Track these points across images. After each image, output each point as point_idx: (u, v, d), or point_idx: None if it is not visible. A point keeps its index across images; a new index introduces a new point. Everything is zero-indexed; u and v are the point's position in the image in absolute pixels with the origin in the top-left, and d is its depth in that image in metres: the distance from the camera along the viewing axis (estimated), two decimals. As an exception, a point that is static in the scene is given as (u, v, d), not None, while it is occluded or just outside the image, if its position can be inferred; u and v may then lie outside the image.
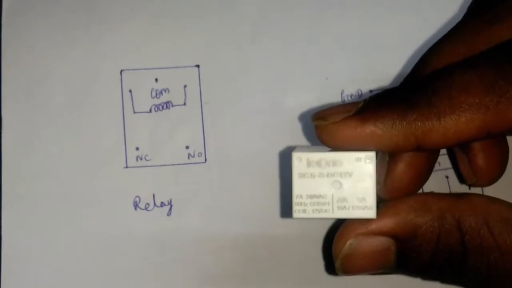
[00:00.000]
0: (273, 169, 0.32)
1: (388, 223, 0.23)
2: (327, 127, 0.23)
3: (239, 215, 0.32)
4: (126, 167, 0.32)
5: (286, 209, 0.32)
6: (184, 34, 0.34)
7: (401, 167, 0.26)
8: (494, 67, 0.22)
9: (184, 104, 0.33)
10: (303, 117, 0.33)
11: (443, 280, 0.25)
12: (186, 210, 0.32)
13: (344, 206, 0.22)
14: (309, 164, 0.22)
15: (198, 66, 0.33)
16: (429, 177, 0.27)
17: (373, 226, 0.23)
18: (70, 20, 0.34)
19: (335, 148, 0.23)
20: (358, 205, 0.22)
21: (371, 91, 0.33)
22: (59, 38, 0.33)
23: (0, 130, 0.32)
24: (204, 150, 0.32)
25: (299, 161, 0.22)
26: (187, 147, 0.32)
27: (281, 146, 0.33)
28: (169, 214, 0.32)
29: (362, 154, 0.22)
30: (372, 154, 0.22)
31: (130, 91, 0.33)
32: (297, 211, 0.22)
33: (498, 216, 0.23)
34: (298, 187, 0.22)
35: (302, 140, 0.33)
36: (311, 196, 0.22)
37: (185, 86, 0.33)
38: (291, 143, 0.33)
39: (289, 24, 0.34)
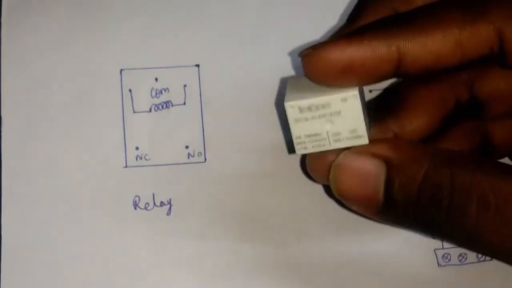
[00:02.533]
0: (273, 169, 0.32)
1: (382, 147, 0.24)
2: (315, 52, 0.24)
3: (239, 215, 0.32)
4: (126, 166, 0.32)
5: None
6: (184, 33, 0.34)
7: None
8: None
9: (184, 103, 0.33)
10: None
11: (426, 227, 0.24)
12: (186, 210, 0.32)
13: (339, 139, 0.25)
14: (301, 110, 0.25)
15: (198, 65, 0.33)
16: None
17: (366, 147, 0.25)
18: (70, 20, 0.34)
19: (322, 80, 0.24)
20: (350, 136, 0.25)
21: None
22: (59, 37, 0.33)
23: (0, 130, 0.32)
24: (203, 149, 0.32)
25: (292, 108, 0.25)
26: (186, 147, 0.32)
27: (281, 146, 0.33)
28: (168, 213, 0.32)
29: (346, 93, 0.24)
30: (355, 92, 0.24)
31: (130, 90, 0.33)
32: (299, 149, 0.25)
33: (491, 164, 0.23)
34: (296, 130, 0.25)
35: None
36: (309, 136, 0.25)
37: (185, 86, 0.33)
38: (291, 142, 0.33)
39: (289, 23, 0.34)
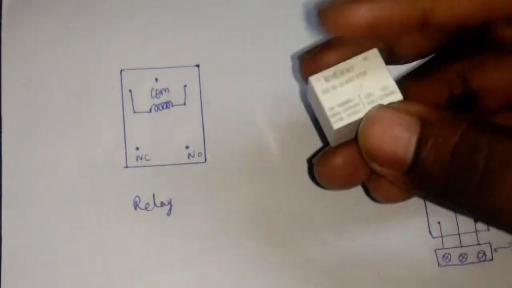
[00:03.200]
0: (273, 169, 0.32)
1: (418, 105, 0.23)
2: (336, 8, 0.23)
3: (239, 215, 0.32)
4: (126, 167, 0.32)
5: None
6: (184, 33, 0.34)
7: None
8: None
9: (184, 104, 0.33)
10: (303, 117, 0.33)
11: (455, 193, 0.23)
12: (186, 210, 0.32)
13: (372, 100, 0.24)
14: (326, 79, 0.24)
15: (198, 65, 0.33)
16: None
17: (402, 104, 0.24)
18: (70, 20, 0.34)
19: (344, 33, 0.23)
20: (383, 94, 0.24)
21: None
22: (59, 37, 0.33)
23: (0, 130, 0.32)
24: (204, 150, 0.32)
25: (317, 80, 0.24)
26: (187, 147, 0.32)
27: (281, 146, 0.33)
28: (169, 214, 0.32)
29: (367, 53, 0.24)
30: (375, 50, 0.24)
31: (130, 91, 0.33)
32: (335, 121, 0.24)
33: None
34: (326, 101, 0.24)
35: (303, 137, 0.33)
36: (341, 104, 0.24)
37: (185, 86, 0.33)
38: (291, 142, 0.33)
39: (289, 24, 0.34)
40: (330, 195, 0.32)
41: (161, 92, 0.33)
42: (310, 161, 0.32)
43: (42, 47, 0.33)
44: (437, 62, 0.28)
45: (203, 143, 0.32)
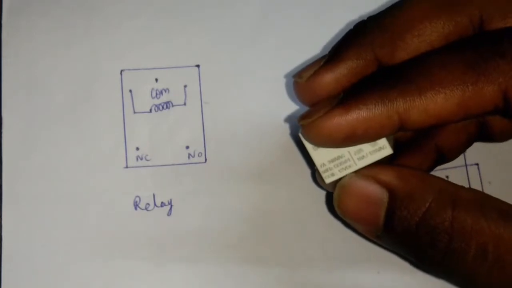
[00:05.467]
0: (274, 169, 0.32)
1: (388, 173, 0.24)
2: (314, 123, 0.24)
3: (239, 215, 0.32)
4: (126, 167, 0.32)
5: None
6: (184, 34, 0.34)
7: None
8: (474, 49, 0.22)
9: (184, 104, 0.33)
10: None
11: (422, 263, 0.24)
12: (186, 210, 0.32)
13: (362, 156, 0.24)
14: None
15: (198, 66, 0.33)
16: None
17: (372, 172, 0.24)
18: (70, 20, 0.34)
19: (325, 146, 0.24)
20: (373, 149, 0.24)
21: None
22: (59, 38, 0.33)
23: (0, 130, 0.32)
24: (204, 150, 0.32)
25: None
26: (187, 147, 0.32)
27: (281, 146, 0.33)
28: (169, 214, 0.32)
29: None
30: None
31: (130, 91, 0.33)
32: (327, 177, 0.25)
33: (495, 206, 0.23)
34: (317, 158, 0.25)
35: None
36: (332, 160, 0.25)
37: (185, 86, 0.33)
38: (291, 142, 0.33)
39: (289, 24, 0.34)
40: (330, 195, 0.32)
41: (161, 92, 0.33)
42: (312, 168, 0.32)
43: (42, 47, 0.33)
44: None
45: (203, 143, 0.33)
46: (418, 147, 0.28)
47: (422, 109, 0.22)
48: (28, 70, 0.33)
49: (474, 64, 0.22)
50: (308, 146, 0.25)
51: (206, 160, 0.32)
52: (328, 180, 0.25)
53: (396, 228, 0.23)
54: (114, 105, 0.33)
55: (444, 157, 0.28)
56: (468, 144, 0.29)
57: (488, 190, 0.32)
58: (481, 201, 0.23)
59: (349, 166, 0.25)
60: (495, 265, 0.21)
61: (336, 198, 0.25)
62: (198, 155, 0.32)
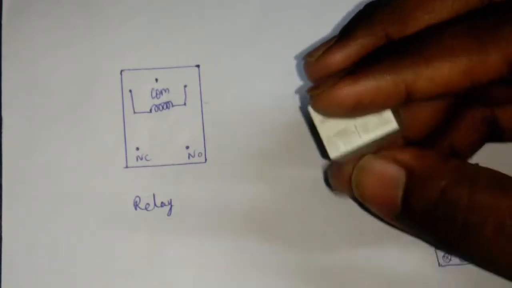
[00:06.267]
0: (274, 169, 0.32)
1: (406, 154, 0.24)
2: (323, 93, 0.24)
3: (239, 216, 0.32)
4: (126, 167, 0.32)
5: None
6: (184, 34, 0.34)
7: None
8: (480, 19, 0.23)
9: (184, 104, 0.33)
10: (302, 118, 0.33)
11: (440, 241, 0.24)
12: (186, 210, 0.32)
13: (368, 129, 0.24)
14: None
15: (198, 66, 0.33)
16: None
17: (390, 153, 0.25)
18: (70, 20, 0.34)
19: (333, 115, 0.24)
20: (378, 123, 0.24)
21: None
22: (59, 38, 0.33)
23: (0, 130, 0.32)
24: (204, 150, 0.32)
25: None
26: (187, 147, 0.32)
27: (281, 146, 0.33)
28: (169, 214, 0.32)
29: None
30: None
31: (130, 91, 0.33)
32: (333, 151, 0.25)
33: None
34: (323, 130, 0.25)
35: (303, 137, 0.33)
36: (338, 134, 0.25)
37: (185, 86, 0.33)
38: (291, 142, 0.33)
39: (290, 24, 0.34)
40: (330, 195, 0.32)
41: (161, 92, 0.33)
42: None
43: (42, 47, 0.33)
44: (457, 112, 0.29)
45: (203, 143, 0.33)
46: (432, 146, 0.28)
47: (428, 78, 0.23)
48: (28, 70, 0.33)
49: (479, 33, 0.23)
50: (316, 119, 0.25)
51: (206, 160, 0.32)
52: (333, 153, 0.25)
53: (414, 208, 0.24)
54: (114, 105, 0.33)
55: (458, 157, 0.29)
56: (480, 144, 0.29)
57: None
58: (498, 179, 0.23)
59: (354, 140, 0.24)
60: None
61: (354, 181, 0.26)
62: (198, 155, 0.32)
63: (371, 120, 0.24)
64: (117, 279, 0.31)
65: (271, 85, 0.33)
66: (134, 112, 0.33)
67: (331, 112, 0.24)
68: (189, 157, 0.32)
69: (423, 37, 0.24)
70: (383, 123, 0.24)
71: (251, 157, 0.32)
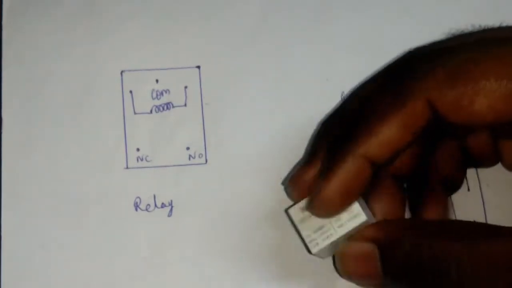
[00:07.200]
0: (273, 170, 0.32)
1: (370, 229, 0.27)
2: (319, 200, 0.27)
3: (239, 216, 0.32)
4: (127, 168, 0.32)
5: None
6: (184, 35, 0.34)
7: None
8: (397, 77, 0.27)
9: (185, 105, 0.33)
10: (303, 118, 0.33)
11: None
12: (187, 211, 0.32)
13: (341, 224, 0.27)
14: (302, 209, 0.28)
15: (198, 67, 0.33)
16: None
17: (359, 232, 0.27)
18: (70, 21, 0.34)
19: (329, 214, 0.27)
20: (349, 217, 0.27)
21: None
22: (59, 38, 0.33)
23: (0, 130, 0.32)
24: (204, 151, 0.32)
25: (294, 211, 0.28)
26: (187, 148, 0.32)
27: (281, 146, 0.33)
28: (169, 215, 0.32)
29: None
30: None
31: (131, 92, 0.33)
32: (313, 247, 0.28)
33: (456, 230, 0.26)
34: (304, 229, 0.28)
35: (304, 137, 0.33)
36: (316, 231, 0.27)
37: (185, 87, 0.33)
38: (292, 142, 0.33)
39: (290, 25, 0.34)
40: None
41: (161, 93, 0.33)
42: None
43: (42, 48, 0.33)
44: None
45: (203, 144, 0.33)
46: (424, 182, 0.31)
47: (377, 146, 0.26)
48: (28, 71, 0.33)
49: (396, 86, 0.26)
50: (296, 219, 0.28)
51: (206, 161, 0.32)
52: (314, 249, 0.27)
53: (392, 272, 0.26)
54: (115, 106, 0.33)
55: (452, 185, 0.31)
56: (463, 171, 0.32)
57: (486, 193, 0.32)
58: (450, 225, 0.27)
59: (331, 235, 0.27)
60: (475, 275, 0.24)
61: (339, 266, 0.28)
62: (199, 156, 0.32)
63: (343, 215, 0.27)
64: (117, 279, 0.31)
65: (271, 86, 0.33)
66: (135, 113, 0.33)
67: (325, 213, 0.27)
68: (189, 158, 0.32)
69: (358, 119, 0.27)
70: (353, 217, 0.27)
71: (251, 158, 0.32)
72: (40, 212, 0.31)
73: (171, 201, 0.32)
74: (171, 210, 0.32)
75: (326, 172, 0.27)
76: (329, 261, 0.30)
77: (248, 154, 0.32)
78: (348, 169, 0.26)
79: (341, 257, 0.28)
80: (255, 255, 0.31)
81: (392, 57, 0.33)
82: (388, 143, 0.26)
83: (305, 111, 0.33)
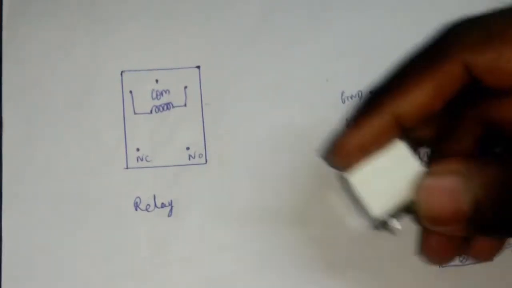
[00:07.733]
0: (273, 170, 0.32)
1: (452, 163, 0.25)
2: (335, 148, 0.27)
3: (239, 216, 0.32)
4: (127, 168, 0.32)
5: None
6: (184, 35, 0.34)
7: None
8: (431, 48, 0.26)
9: (185, 105, 0.33)
10: (303, 118, 0.33)
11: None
12: (187, 211, 0.32)
13: (406, 181, 0.26)
14: (361, 171, 0.27)
15: (198, 67, 0.33)
16: None
17: (440, 167, 0.25)
18: (70, 21, 0.34)
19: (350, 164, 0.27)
20: (411, 179, 0.26)
21: (371, 92, 0.33)
22: (59, 39, 0.33)
23: (0, 130, 0.32)
24: (204, 151, 0.32)
25: (353, 175, 0.27)
26: (187, 148, 0.32)
27: (281, 147, 0.33)
28: (169, 215, 0.32)
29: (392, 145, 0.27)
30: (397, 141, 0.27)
31: (131, 92, 0.33)
32: (376, 209, 0.26)
33: None
34: (365, 192, 0.26)
35: (304, 137, 0.33)
36: (377, 193, 0.26)
37: (185, 87, 0.33)
38: (292, 142, 0.33)
39: (290, 25, 0.34)
40: (330, 196, 0.32)
41: (161, 94, 0.33)
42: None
43: (42, 48, 0.33)
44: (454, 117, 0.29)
45: (203, 144, 0.33)
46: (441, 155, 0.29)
47: (407, 105, 0.25)
48: (28, 71, 0.33)
49: (431, 50, 0.26)
50: (356, 183, 0.27)
51: (206, 161, 0.32)
52: (377, 212, 0.26)
53: (483, 203, 0.24)
54: (115, 106, 0.33)
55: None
56: (482, 144, 0.30)
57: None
58: None
59: (395, 194, 0.26)
60: None
61: (422, 204, 0.25)
62: (199, 156, 0.32)
63: (404, 177, 0.26)
64: (117, 279, 0.31)
65: (271, 85, 0.33)
66: (135, 113, 0.33)
67: (345, 160, 0.27)
68: (189, 158, 0.32)
69: (392, 81, 0.27)
70: (413, 178, 0.26)
71: (251, 158, 0.32)
72: (40, 212, 0.31)
73: (171, 201, 0.32)
74: (171, 210, 0.32)
75: (351, 123, 0.27)
76: (326, 260, 0.31)
77: (248, 154, 0.32)
78: (373, 124, 0.26)
79: (425, 191, 0.25)
80: (256, 255, 0.31)
81: (392, 57, 0.33)
82: (419, 104, 0.26)
83: (305, 111, 0.33)
